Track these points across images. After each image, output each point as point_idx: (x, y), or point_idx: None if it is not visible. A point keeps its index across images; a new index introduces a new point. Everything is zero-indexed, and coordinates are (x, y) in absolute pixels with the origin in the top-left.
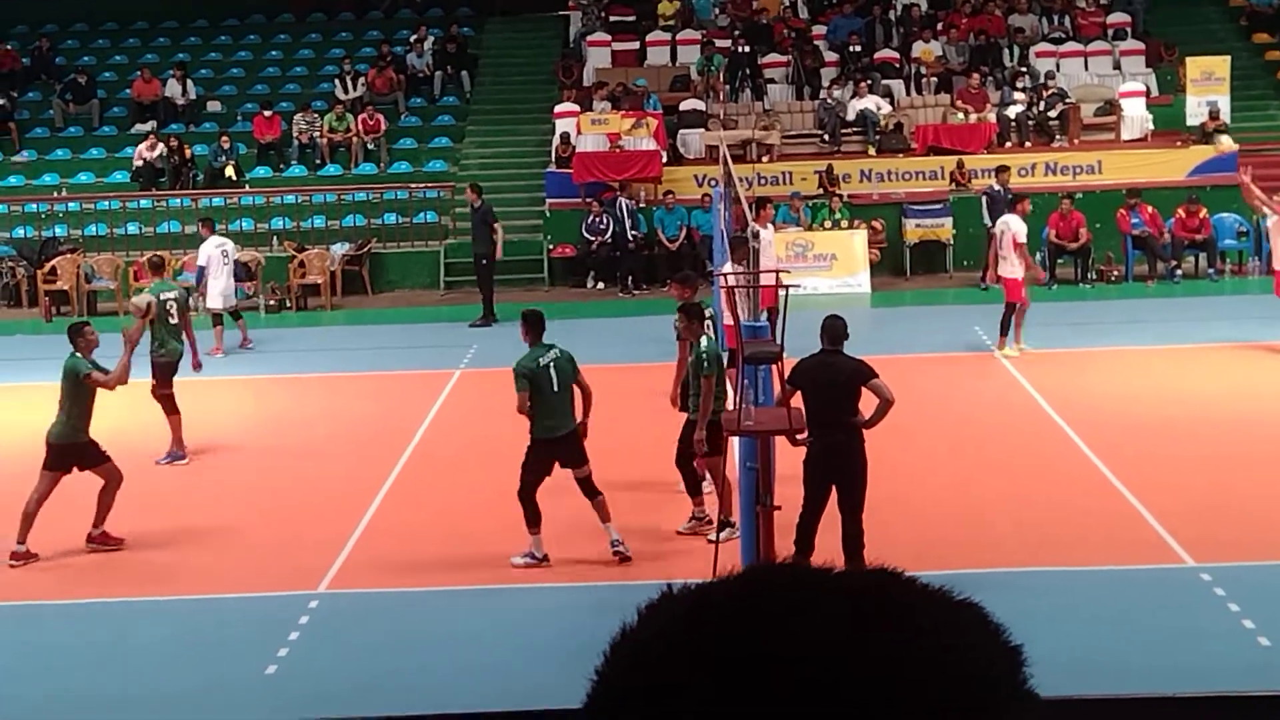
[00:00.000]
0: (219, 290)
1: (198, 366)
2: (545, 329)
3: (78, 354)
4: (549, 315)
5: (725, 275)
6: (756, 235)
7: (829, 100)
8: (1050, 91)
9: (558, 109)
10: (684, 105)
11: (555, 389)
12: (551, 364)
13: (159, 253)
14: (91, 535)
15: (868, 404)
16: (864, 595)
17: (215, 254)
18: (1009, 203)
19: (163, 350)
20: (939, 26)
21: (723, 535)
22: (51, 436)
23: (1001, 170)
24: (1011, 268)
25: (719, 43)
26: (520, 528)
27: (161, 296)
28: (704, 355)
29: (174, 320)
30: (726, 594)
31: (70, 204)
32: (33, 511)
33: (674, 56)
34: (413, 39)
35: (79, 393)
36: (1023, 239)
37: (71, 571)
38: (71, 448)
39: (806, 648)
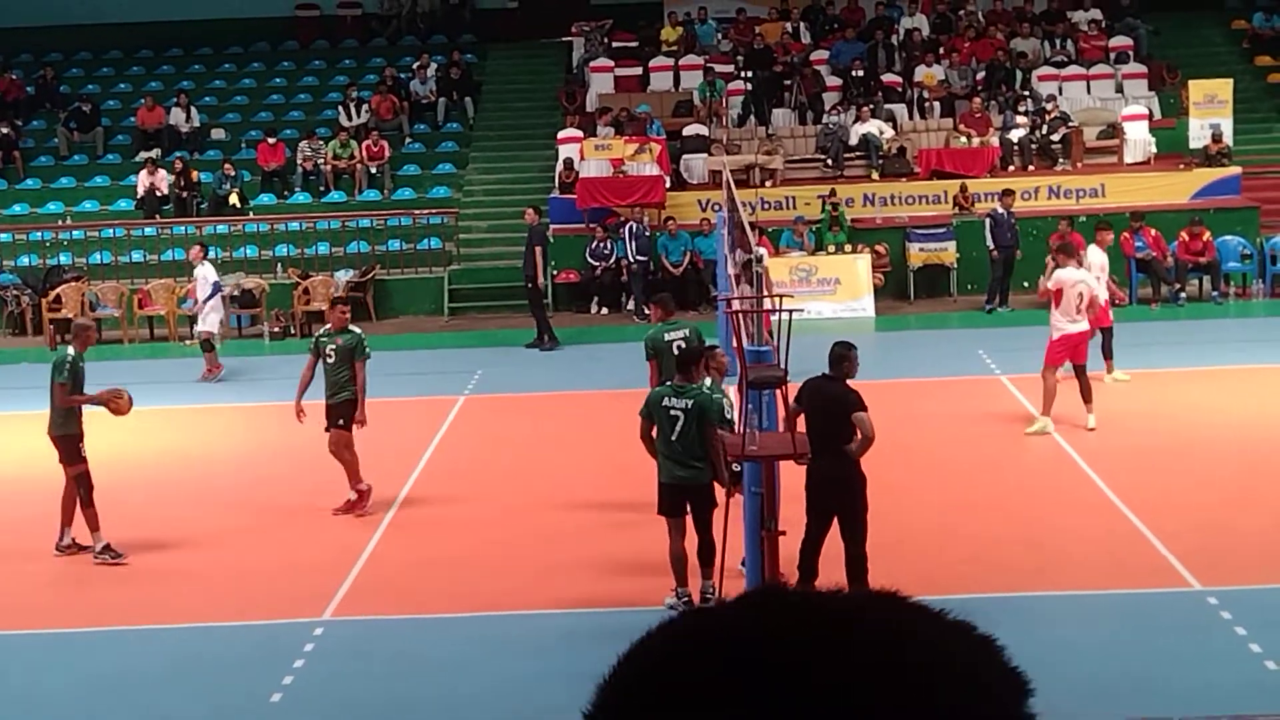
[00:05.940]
0: (220, 316)
1: None
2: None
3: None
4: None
5: (730, 300)
6: (760, 259)
7: (831, 125)
8: (1053, 115)
9: (561, 135)
10: (687, 130)
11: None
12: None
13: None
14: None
15: None
16: (867, 620)
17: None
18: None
19: None
20: (941, 50)
21: (669, 601)
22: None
23: (1006, 194)
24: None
25: (721, 68)
26: (514, 555)
27: None
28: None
29: None
30: (733, 615)
31: (75, 232)
32: None
33: (677, 82)
34: (416, 66)
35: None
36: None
37: (74, 600)
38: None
39: (809, 670)
